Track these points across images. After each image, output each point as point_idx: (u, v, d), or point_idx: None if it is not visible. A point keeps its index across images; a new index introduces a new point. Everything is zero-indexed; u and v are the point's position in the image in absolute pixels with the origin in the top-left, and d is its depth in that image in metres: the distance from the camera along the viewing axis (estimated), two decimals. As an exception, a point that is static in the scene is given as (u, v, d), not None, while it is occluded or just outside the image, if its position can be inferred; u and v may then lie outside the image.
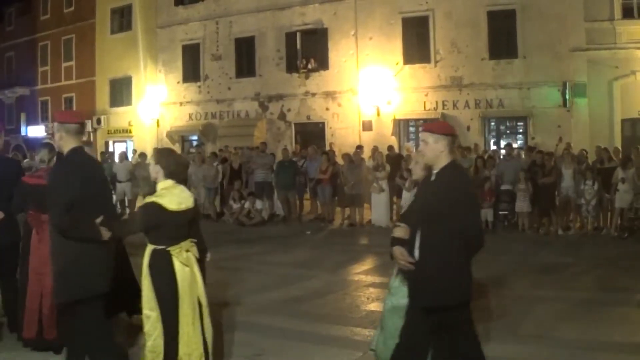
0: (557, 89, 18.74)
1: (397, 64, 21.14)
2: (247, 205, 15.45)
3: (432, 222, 4.13)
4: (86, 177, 4.64)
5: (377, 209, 14.80)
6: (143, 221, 4.59)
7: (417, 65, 20.95)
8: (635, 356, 5.59)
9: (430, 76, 20.76)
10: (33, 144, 30.39)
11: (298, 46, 23.14)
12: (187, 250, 4.63)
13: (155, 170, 4.71)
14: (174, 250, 4.55)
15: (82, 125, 5.01)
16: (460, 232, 3.99)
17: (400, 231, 4.36)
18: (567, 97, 18.50)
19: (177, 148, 25.30)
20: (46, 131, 31.15)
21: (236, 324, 6.62)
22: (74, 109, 30.45)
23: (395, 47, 21.17)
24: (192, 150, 23.46)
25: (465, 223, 4.00)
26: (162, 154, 4.83)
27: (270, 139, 22.83)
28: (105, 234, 4.58)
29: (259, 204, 15.45)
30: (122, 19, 28.28)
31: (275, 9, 23.49)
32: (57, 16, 31.11)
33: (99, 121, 28.34)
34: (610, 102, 18.45)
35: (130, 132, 27.51)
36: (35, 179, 5.67)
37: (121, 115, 27.92)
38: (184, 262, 4.57)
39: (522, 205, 13.27)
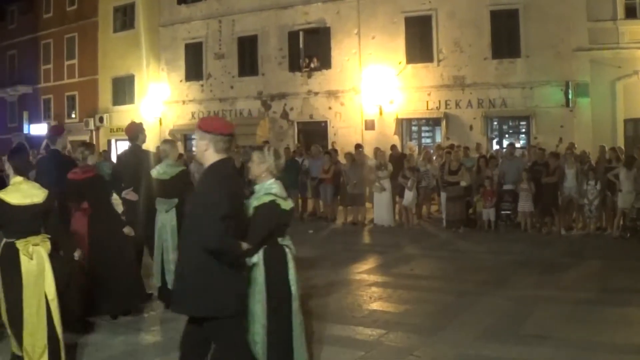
0: (560, 88, 18.71)
1: (399, 63, 21.12)
2: (249, 204, 15.43)
3: (185, 224, 4.07)
4: None
5: (380, 208, 14.79)
6: None
7: (419, 65, 20.92)
8: (637, 357, 5.59)
9: (433, 75, 20.73)
10: (35, 142, 30.48)
11: (301, 45, 23.16)
12: (36, 244, 4.80)
13: (7, 167, 5.10)
14: (20, 243, 4.74)
15: None
16: (198, 240, 3.82)
17: None
18: (570, 96, 18.47)
19: (179, 146, 25.34)
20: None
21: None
22: (77, 107, 30.60)
23: (398, 47, 21.15)
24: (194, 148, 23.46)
25: (202, 232, 3.79)
26: (13, 153, 5.17)
27: (273, 137, 22.84)
28: None
29: (261, 203, 15.42)
30: (125, 18, 28.28)
31: (277, 8, 23.48)
32: (60, 14, 31.13)
33: (101, 119, 28.36)
34: (612, 102, 18.42)
35: (132, 130, 27.48)
36: (84, 173, 6.72)
37: (124, 114, 27.84)
38: (29, 255, 4.74)
39: (525, 205, 13.25)
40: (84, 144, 7.36)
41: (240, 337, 4.12)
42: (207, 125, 4.04)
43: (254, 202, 4.43)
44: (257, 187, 4.54)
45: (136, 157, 7.74)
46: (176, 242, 6.91)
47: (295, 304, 4.53)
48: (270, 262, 4.41)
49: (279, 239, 4.50)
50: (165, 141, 7.68)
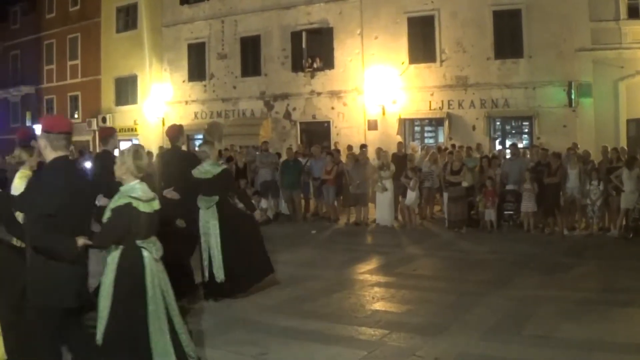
0: (563, 88, 18.72)
1: (402, 63, 21.13)
2: (252, 204, 15.44)
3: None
4: None
5: (381, 208, 14.80)
6: None
7: (422, 65, 20.94)
8: (639, 357, 5.60)
9: (436, 76, 20.75)
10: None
11: (303, 45, 23.14)
12: None
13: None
14: None
15: None
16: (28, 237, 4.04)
17: None
18: (573, 97, 18.47)
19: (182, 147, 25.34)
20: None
21: (241, 323, 6.65)
22: (80, 107, 30.65)
23: (401, 47, 21.16)
24: (197, 149, 23.47)
25: (28, 227, 4.04)
26: None
27: (276, 138, 22.86)
28: None
29: (264, 203, 15.45)
30: (128, 18, 28.32)
31: (280, 8, 23.51)
32: (63, 15, 31.18)
33: (104, 120, 28.35)
34: (615, 102, 18.41)
35: (135, 130, 27.54)
36: None
37: (126, 114, 27.97)
38: None
39: (528, 205, 13.23)
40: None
41: (50, 331, 4.24)
42: (45, 124, 4.33)
43: (111, 204, 4.47)
44: (121, 189, 4.56)
45: (177, 158, 8.09)
46: (219, 238, 7.36)
47: (152, 307, 4.47)
48: (122, 263, 4.43)
49: (138, 241, 4.48)
50: (204, 142, 8.15)
